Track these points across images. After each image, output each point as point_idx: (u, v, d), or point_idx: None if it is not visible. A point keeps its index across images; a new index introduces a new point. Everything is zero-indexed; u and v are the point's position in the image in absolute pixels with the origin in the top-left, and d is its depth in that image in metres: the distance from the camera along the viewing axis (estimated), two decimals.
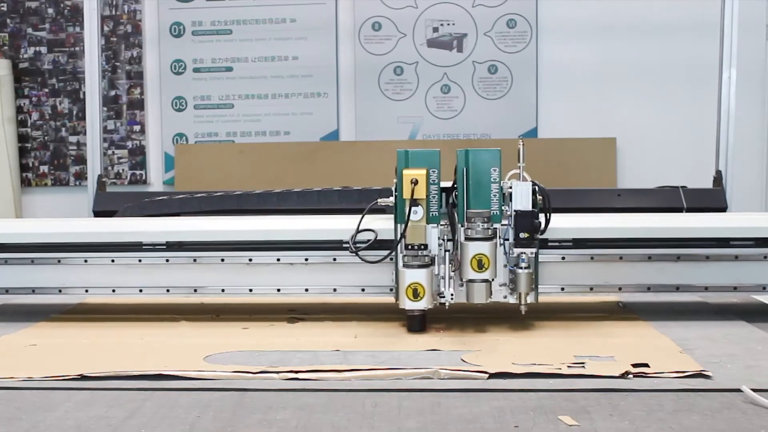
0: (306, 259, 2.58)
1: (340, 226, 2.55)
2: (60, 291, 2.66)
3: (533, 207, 2.38)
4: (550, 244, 2.55)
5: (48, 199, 6.29)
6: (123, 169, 6.31)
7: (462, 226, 2.36)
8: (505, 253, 2.40)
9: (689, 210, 4.27)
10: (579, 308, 2.75)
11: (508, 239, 2.39)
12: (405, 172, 2.34)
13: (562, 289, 2.57)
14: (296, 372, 1.93)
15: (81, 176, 6.21)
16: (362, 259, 2.43)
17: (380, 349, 2.17)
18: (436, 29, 6.07)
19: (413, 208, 2.33)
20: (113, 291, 2.64)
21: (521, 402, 1.72)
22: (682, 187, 4.38)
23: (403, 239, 2.35)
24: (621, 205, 4.34)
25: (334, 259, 2.56)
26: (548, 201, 2.41)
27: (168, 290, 2.62)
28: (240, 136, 6.22)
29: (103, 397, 1.79)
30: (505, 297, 2.42)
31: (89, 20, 4.87)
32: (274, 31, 6.15)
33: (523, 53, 6.01)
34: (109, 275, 2.62)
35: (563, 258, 2.56)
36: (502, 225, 2.39)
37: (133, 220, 3.02)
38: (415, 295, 2.32)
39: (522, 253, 2.35)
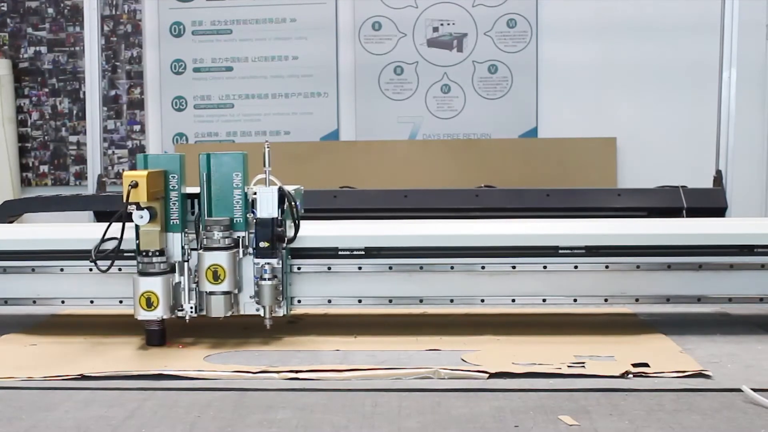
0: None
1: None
2: (34, 302, 2.49)
3: (282, 214, 2.23)
4: (561, 252, 2.38)
5: None
6: (123, 169, 6.30)
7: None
8: (255, 264, 2.25)
9: (689, 210, 4.26)
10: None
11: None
12: (125, 173, 2.15)
13: (575, 300, 2.41)
14: (296, 372, 1.93)
15: (81, 176, 6.21)
16: (98, 268, 2.23)
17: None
18: (436, 29, 6.07)
19: (138, 212, 2.14)
20: (91, 302, 2.47)
21: (521, 402, 1.72)
22: (682, 186, 4.37)
23: (137, 245, 2.20)
24: (621, 205, 4.34)
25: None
26: (297, 208, 2.26)
27: None
28: (240, 136, 6.22)
29: (103, 397, 1.79)
30: (258, 309, 2.26)
31: (89, 20, 4.86)
32: (274, 31, 6.15)
33: (523, 53, 6.01)
34: (86, 285, 2.44)
35: (575, 267, 2.38)
36: (249, 233, 2.25)
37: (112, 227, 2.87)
38: (149, 304, 2.17)
39: (266, 263, 2.22)
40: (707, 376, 1.87)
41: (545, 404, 1.70)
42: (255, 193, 2.25)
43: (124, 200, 2.13)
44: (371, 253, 2.41)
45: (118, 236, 2.22)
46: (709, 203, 4.26)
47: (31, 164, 6.38)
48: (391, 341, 2.27)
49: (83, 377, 1.92)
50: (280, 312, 2.28)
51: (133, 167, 6.24)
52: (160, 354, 2.18)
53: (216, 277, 2.20)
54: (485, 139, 6.02)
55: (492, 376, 1.89)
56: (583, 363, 1.98)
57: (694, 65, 5.73)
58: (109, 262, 2.24)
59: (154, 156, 2.26)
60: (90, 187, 4.93)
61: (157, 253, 2.19)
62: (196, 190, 2.27)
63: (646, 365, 1.93)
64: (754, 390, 1.73)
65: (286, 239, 2.25)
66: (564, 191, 4.47)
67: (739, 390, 1.76)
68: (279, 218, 2.23)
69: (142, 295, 2.18)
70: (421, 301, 2.41)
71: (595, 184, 5.59)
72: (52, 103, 6.33)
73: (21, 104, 6.34)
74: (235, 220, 2.25)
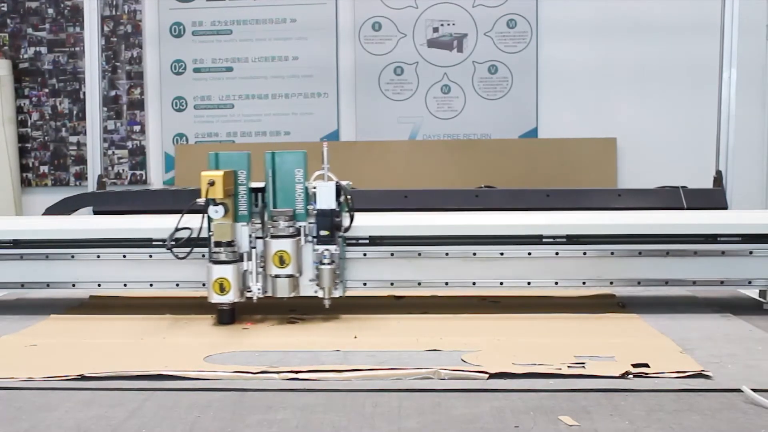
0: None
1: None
2: (73, 285, 2.73)
3: (339, 206, 2.48)
4: (544, 240, 2.63)
5: (48, 199, 6.23)
6: (123, 169, 6.31)
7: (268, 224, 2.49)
8: (314, 250, 2.50)
9: (690, 210, 4.26)
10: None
11: (316, 237, 2.49)
12: (203, 173, 2.40)
13: (556, 283, 2.64)
14: (296, 372, 1.93)
15: (81, 176, 6.22)
16: (174, 255, 2.50)
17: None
18: (436, 29, 6.07)
19: (214, 207, 2.40)
20: (125, 285, 2.71)
21: (521, 402, 1.72)
22: (682, 187, 4.38)
23: (210, 236, 2.46)
24: (621, 206, 4.34)
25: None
26: (352, 201, 2.51)
27: (177, 285, 2.68)
28: (240, 136, 6.22)
29: (103, 397, 1.79)
30: (316, 291, 2.51)
31: (89, 20, 4.86)
32: (274, 31, 6.15)
33: (523, 53, 6.01)
34: (120, 270, 2.69)
35: (557, 254, 2.63)
36: (309, 223, 2.50)
37: (144, 218, 3.07)
38: (222, 289, 2.43)
39: (325, 249, 2.47)
40: (707, 377, 1.87)
41: (545, 404, 1.70)
42: (314, 188, 2.49)
43: (203, 197, 2.38)
44: (375, 241, 2.65)
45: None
46: (710, 204, 4.26)
47: (31, 164, 6.38)
48: (391, 341, 2.28)
49: (83, 377, 1.92)
50: (337, 293, 2.53)
51: (133, 167, 6.28)
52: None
53: (282, 262, 2.45)
54: (485, 140, 6.02)
55: (492, 376, 1.89)
56: (583, 363, 1.98)
57: (694, 65, 5.73)
58: (184, 250, 2.49)
59: (225, 154, 2.51)
60: (90, 188, 4.93)
61: (229, 243, 2.45)
62: (260, 184, 2.52)
63: (646, 365, 1.93)
64: (755, 390, 1.73)
65: (342, 228, 2.50)
66: (564, 191, 4.47)
67: (739, 390, 1.76)
68: (337, 209, 2.48)
69: (216, 281, 2.44)
70: (419, 284, 2.64)
71: (595, 184, 5.59)
72: (52, 104, 6.33)
73: (21, 104, 6.34)
74: (296, 211, 2.50)
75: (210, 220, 2.45)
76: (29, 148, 6.37)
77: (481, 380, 1.87)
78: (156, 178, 6.31)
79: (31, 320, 2.61)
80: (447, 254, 2.64)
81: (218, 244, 2.44)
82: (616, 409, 1.67)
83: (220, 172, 2.39)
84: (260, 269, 2.48)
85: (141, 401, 1.76)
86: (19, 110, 6.33)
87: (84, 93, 5.57)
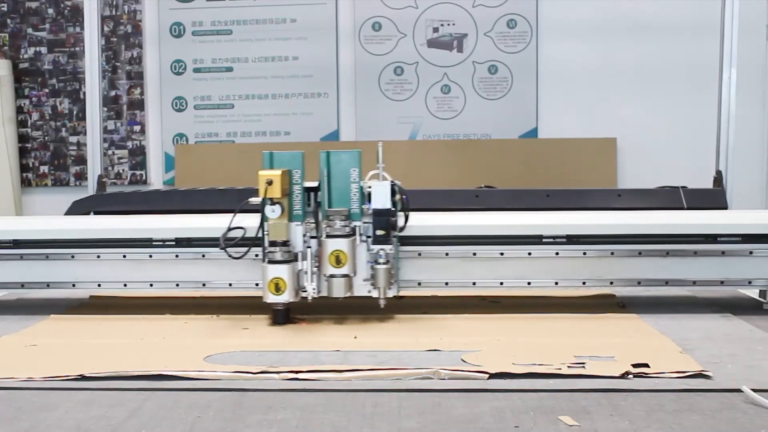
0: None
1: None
2: (73, 285, 2.73)
3: (393, 206, 2.47)
4: (544, 240, 2.64)
5: (48, 200, 6.29)
6: (123, 170, 6.31)
7: (323, 223, 2.48)
8: (369, 250, 2.50)
9: (690, 210, 4.26)
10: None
11: (371, 236, 2.49)
12: (260, 173, 2.41)
13: (556, 283, 2.65)
14: (296, 372, 1.93)
15: (81, 176, 6.22)
16: (229, 255, 2.51)
17: (380, 349, 2.18)
18: (436, 29, 6.07)
19: (270, 207, 2.41)
20: (125, 285, 2.71)
21: (521, 402, 1.72)
22: (682, 187, 4.38)
23: (266, 236, 2.45)
24: (621, 206, 4.34)
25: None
26: (407, 200, 2.51)
27: (177, 285, 2.69)
28: (240, 136, 6.22)
29: (103, 397, 1.79)
30: (369, 291, 2.51)
31: (89, 20, 4.86)
32: (274, 31, 6.15)
33: (523, 53, 6.01)
34: (120, 270, 2.70)
35: (557, 254, 2.64)
36: (364, 223, 2.50)
37: (144, 218, 3.07)
38: (277, 289, 2.42)
39: (381, 249, 2.46)
40: (707, 377, 1.87)
41: (545, 404, 1.70)
42: (369, 187, 2.49)
43: (261, 196, 2.39)
44: None
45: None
46: (710, 204, 4.25)
47: (31, 164, 6.38)
48: (391, 341, 2.28)
49: (83, 377, 1.92)
50: (391, 293, 2.52)
51: (133, 167, 6.28)
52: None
53: (338, 262, 2.44)
54: (485, 140, 6.02)
55: (492, 376, 1.89)
56: (583, 363, 1.98)
57: (694, 65, 5.73)
58: (241, 250, 2.50)
59: (280, 154, 2.51)
60: (90, 188, 4.93)
61: (285, 243, 2.44)
62: (313, 183, 2.51)
63: (646, 365, 1.93)
64: (755, 390, 1.73)
65: (398, 228, 2.50)
66: (564, 191, 4.47)
67: (739, 390, 1.76)
68: (392, 209, 2.47)
69: (271, 281, 2.43)
70: (419, 284, 2.65)
71: (595, 184, 5.59)
72: (53, 104, 6.33)
73: (21, 105, 6.34)
74: (351, 210, 2.50)
75: (265, 219, 2.44)
76: (29, 148, 6.37)
77: (481, 380, 1.87)
78: (156, 178, 6.31)
79: (31, 320, 2.61)
80: (447, 254, 2.64)
81: (273, 243, 2.43)
82: (616, 409, 1.67)
83: (278, 172, 2.39)
84: (314, 269, 2.48)
85: (141, 401, 1.76)
86: (19, 110, 6.33)
87: (84, 93, 5.57)
